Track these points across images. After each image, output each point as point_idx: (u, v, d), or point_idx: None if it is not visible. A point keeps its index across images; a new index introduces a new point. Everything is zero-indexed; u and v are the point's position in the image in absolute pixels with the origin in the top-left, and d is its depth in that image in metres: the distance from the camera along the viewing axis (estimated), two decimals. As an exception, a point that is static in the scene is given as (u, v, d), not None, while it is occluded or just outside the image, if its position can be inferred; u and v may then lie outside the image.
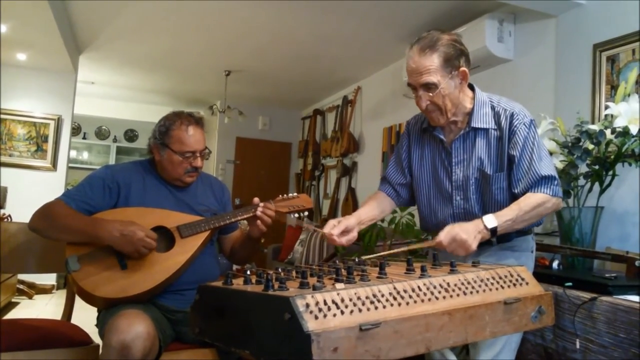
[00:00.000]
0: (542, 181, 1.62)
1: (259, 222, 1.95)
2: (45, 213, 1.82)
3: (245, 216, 1.97)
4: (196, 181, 2.06)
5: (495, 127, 1.69)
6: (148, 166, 2.04)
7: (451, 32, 1.69)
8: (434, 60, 1.60)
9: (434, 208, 1.82)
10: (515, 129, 1.65)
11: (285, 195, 2.09)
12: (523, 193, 1.63)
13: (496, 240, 1.71)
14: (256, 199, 1.99)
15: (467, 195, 1.73)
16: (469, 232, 1.53)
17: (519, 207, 1.59)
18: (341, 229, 1.70)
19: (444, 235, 1.54)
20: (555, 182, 1.63)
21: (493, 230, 1.55)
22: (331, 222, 1.72)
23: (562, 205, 1.75)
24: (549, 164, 1.65)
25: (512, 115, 1.67)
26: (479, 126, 1.70)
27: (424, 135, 1.86)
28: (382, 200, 1.93)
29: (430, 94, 1.63)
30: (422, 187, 1.85)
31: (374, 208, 1.88)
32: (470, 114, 1.71)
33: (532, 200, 1.60)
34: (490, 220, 1.55)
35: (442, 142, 1.78)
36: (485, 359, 1.63)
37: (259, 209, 1.96)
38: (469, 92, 1.74)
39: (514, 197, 1.67)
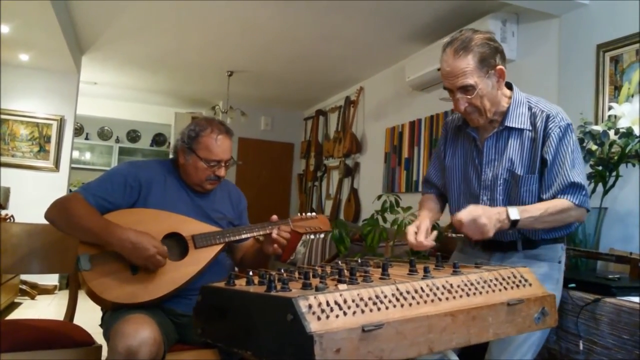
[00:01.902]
0: (570, 188, 1.60)
1: (275, 245, 1.94)
2: (62, 207, 1.81)
3: (261, 233, 1.96)
4: (215, 187, 2.05)
5: (531, 128, 1.66)
6: (171, 167, 2.03)
7: (484, 31, 1.67)
8: (469, 62, 1.58)
9: (463, 207, 1.77)
10: (550, 131, 1.62)
11: (303, 214, 2.07)
12: (551, 199, 1.62)
13: (522, 246, 1.70)
14: (274, 217, 1.97)
15: (494, 196, 1.70)
16: (490, 219, 1.52)
17: (545, 207, 1.58)
18: (424, 233, 1.66)
19: (465, 215, 1.53)
20: (584, 192, 1.61)
21: (513, 223, 1.54)
22: (411, 229, 1.68)
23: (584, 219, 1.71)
24: (581, 172, 1.63)
25: (547, 117, 1.64)
26: (514, 126, 1.67)
27: (458, 133, 1.83)
28: (436, 201, 1.92)
29: (469, 97, 1.61)
30: (453, 186, 1.83)
31: (432, 209, 1.87)
32: (505, 113, 1.68)
33: (559, 205, 1.59)
34: (514, 213, 1.54)
35: (475, 140, 1.75)
36: (511, 359, 1.63)
37: (275, 231, 1.93)
38: (507, 91, 1.71)
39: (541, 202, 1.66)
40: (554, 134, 1.62)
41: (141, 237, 1.72)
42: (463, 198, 1.79)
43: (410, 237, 1.66)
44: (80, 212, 1.77)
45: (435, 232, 1.69)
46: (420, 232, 1.66)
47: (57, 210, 1.81)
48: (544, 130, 1.63)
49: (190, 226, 1.88)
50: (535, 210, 1.57)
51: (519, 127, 1.67)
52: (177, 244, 1.86)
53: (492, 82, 1.62)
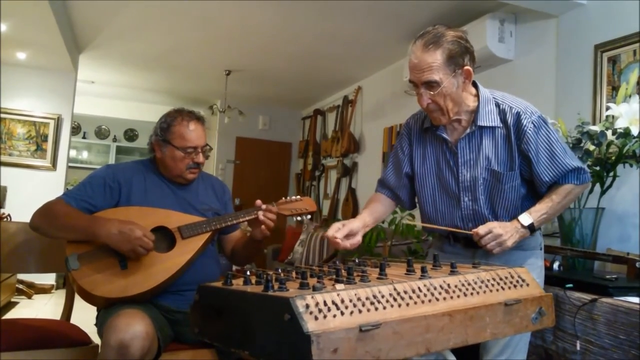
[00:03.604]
0: (570, 174, 1.63)
1: (263, 227, 1.94)
2: (45, 212, 1.83)
3: (247, 218, 1.96)
4: (197, 180, 2.06)
5: (501, 125, 1.65)
6: (149, 165, 2.05)
7: (457, 28, 1.64)
8: (437, 57, 1.55)
9: (441, 210, 1.77)
10: (525, 128, 1.61)
11: (288, 197, 2.08)
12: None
13: None
14: (258, 201, 1.97)
15: (476, 195, 1.69)
16: (506, 229, 1.56)
17: (550, 199, 1.62)
18: (345, 232, 1.67)
19: (482, 228, 1.57)
20: (582, 172, 1.64)
21: (530, 227, 1.59)
22: (335, 225, 1.68)
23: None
24: (572, 155, 1.66)
25: (518, 114, 1.63)
26: (486, 124, 1.66)
27: (425, 134, 1.81)
28: (384, 203, 1.91)
29: (432, 92, 1.59)
30: (426, 189, 1.80)
31: (376, 211, 1.87)
32: (475, 113, 1.67)
33: (561, 190, 1.63)
34: (525, 218, 1.59)
35: (445, 141, 1.73)
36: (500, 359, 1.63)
37: (261, 212, 1.94)
38: (472, 90, 1.70)
39: (527, 195, 1.68)
40: (529, 130, 1.61)
41: (128, 223, 1.74)
42: (440, 200, 1.78)
43: (330, 231, 1.66)
44: (65, 212, 1.80)
45: (359, 237, 1.71)
46: (341, 231, 1.66)
47: (41, 216, 1.83)
48: (517, 128, 1.63)
49: (175, 219, 1.89)
50: (543, 206, 1.62)
51: (491, 125, 1.66)
52: (165, 238, 1.87)
53: (457, 82, 1.60)
